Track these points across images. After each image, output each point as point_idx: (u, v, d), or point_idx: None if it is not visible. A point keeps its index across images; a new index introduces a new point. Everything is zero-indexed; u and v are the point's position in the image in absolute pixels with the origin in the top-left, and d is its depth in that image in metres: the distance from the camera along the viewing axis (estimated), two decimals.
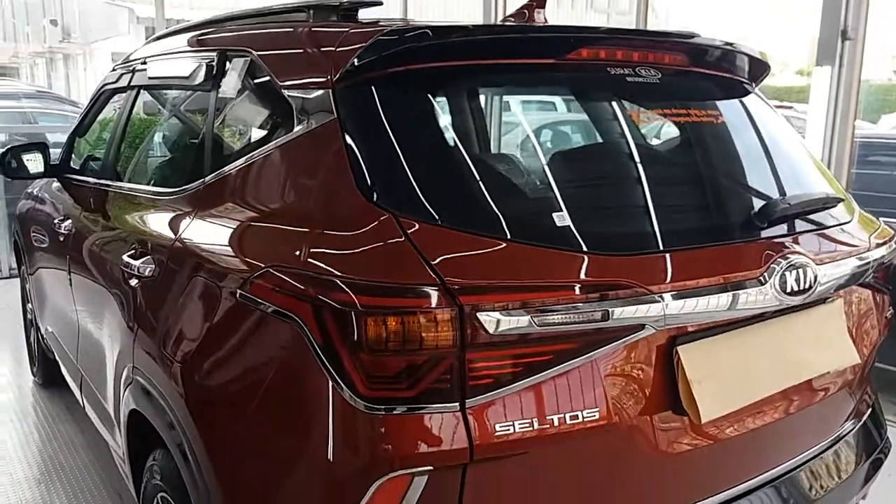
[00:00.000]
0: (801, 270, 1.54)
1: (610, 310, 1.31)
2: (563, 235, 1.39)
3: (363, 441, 1.26)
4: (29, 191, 4.26)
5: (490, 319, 1.24)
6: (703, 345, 1.47)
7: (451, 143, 1.45)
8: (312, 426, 1.32)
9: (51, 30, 24.59)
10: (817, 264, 1.58)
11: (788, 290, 1.52)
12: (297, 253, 1.41)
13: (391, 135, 1.40)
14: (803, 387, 1.68)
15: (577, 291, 1.32)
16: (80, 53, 25.07)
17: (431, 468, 1.25)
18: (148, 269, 1.94)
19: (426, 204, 1.34)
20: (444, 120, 1.41)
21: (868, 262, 1.77)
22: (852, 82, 4.19)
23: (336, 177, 1.41)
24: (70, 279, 2.96)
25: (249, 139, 1.80)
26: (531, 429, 1.28)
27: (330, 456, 1.28)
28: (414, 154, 1.39)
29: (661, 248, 1.46)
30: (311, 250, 1.41)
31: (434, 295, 1.24)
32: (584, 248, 1.37)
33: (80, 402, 3.07)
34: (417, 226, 1.31)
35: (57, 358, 3.59)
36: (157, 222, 2.07)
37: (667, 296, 1.38)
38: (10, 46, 26.24)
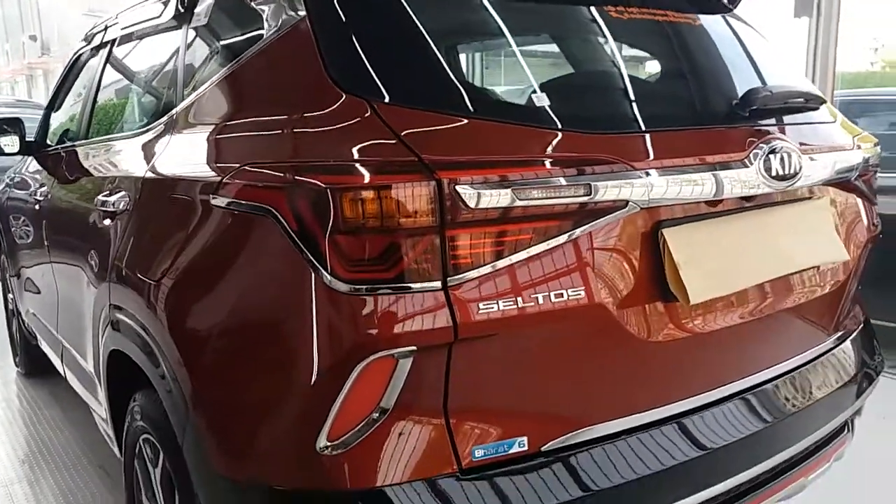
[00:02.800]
0: (785, 155, 1.51)
1: (592, 184, 1.27)
2: (541, 114, 1.36)
3: (345, 324, 1.21)
4: (4, 177, 4.20)
5: (470, 193, 1.19)
6: (688, 229, 1.43)
7: (421, 25, 1.40)
8: (294, 319, 1.27)
9: (30, 45, 24.43)
10: (801, 153, 1.56)
11: (774, 173, 1.49)
12: (270, 147, 1.37)
13: (361, 22, 1.36)
14: (792, 285, 1.65)
15: (559, 166, 1.28)
16: (60, 67, 24.86)
17: (415, 349, 1.21)
18: (122, 203, 1.89)
19: (400, 87, 1.31)
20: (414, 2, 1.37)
21: (851, 162, 1.75)
22: (830, 31, 4.21)
23: (307, 70, 1.37)
24: (46, 244, 2.91)
25: (222, 59, 1.76)
26: (516, 307, 1.24)
27: (314, 346, 1.23)
28: (383, 38, 1.35)
29: (644, 128, 1.43)
30: (284, 143, 1.37)
31: (410, 169, 1.19)
32: (564, 126, 1.33)
33: (62, 372, 3.01)
34: (392, 108, 1.28)
35: (39, 338, 3.52)
36: (130, 159, 2.02)
37: (651, 172, 1.34)
38: None
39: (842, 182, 1.77)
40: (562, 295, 1.28)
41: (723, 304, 1.52)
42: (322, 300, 1.22)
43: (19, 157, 3.91)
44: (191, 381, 1.49)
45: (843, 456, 1.97)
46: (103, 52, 2.77)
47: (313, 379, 1.23)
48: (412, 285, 1.20)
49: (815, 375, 1.77)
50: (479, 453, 1.30)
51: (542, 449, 1.34)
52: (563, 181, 1.26)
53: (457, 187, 1.19)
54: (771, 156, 1.49)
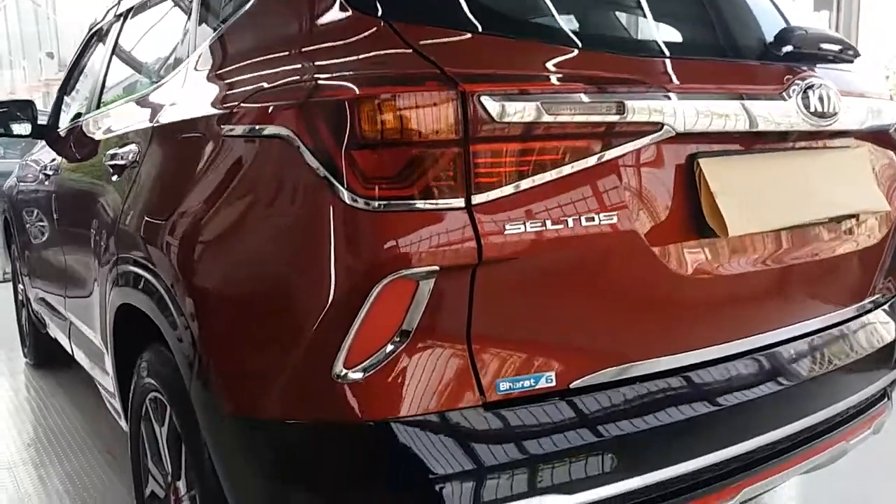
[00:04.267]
0: (823, 92, 1.44)
1: (625, 103, 1.20)
2: (571, 33, 1.29)
3: (363, 243, 1.14)
4: (13, 174, 4.19)
5: (494, 105, 1.13)
6: (725, 162, 1.36)
7: None
8: (310, 240, 1.20)
9: (47, 62, 24.70)
10: (839, 95, 1.49)
11: (812, 109, 1.42)
12: (282, 71, 1.31)
13: None
14: (831, 235, 1.58)
15: (589, 84, 1.21)
16: None
17: (437, 270, 1.14)
18: (131, 154, 1.84)
19: (418, 5, 1.26)
20: None
21: (889, 114, 1.68)
22: (850, 25, 4.19)
23: None
24: (56, 220, 2.87)
25: (231, 8, 1.71)
26: (544, 230, 1.17)
27: (331, 267, 1.16)
28: None
29: (679, 55, 1.36)
30: (297, 65, 1.31)
31: (432, 79, 1.13)
32: (595, 47, 1.27)
33: (70, 349, 2.95)
34: (411, 26, 1.22)
35: (47, 323, 3.48)
36: (140, 114, 1.97)
37: (686, 98, 1.27)
38: (6, 82, 26.33)
39: (880, 135, 1.70)
40: (592, 219, 1.20)
41: (760, 247, 1.44)
42: (339, 219, 1.15)
43: (21, 161, 3.92)
44: (201, 319, 1.42)
45: (882, 427, 1.87)
46: (115, 27, 2.75)
47: (330, 301, 1.16)
48: (434, 203, 1.13)
49: (853, 336, 1.69)
50: (503, 387, 1.22)
51: (571, 386, 1.26)
52: (593, 98, 1.19)
53: (481, 98, 1.13)
54: (809, 91, 1.42)
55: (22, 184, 3.81)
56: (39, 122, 3.33)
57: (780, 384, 1.49)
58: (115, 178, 1.95)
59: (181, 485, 1.69)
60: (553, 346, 1.25)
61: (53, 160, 3.03)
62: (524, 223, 1.16)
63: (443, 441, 1.18)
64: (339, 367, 1.17)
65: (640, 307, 1.31)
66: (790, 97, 1.41)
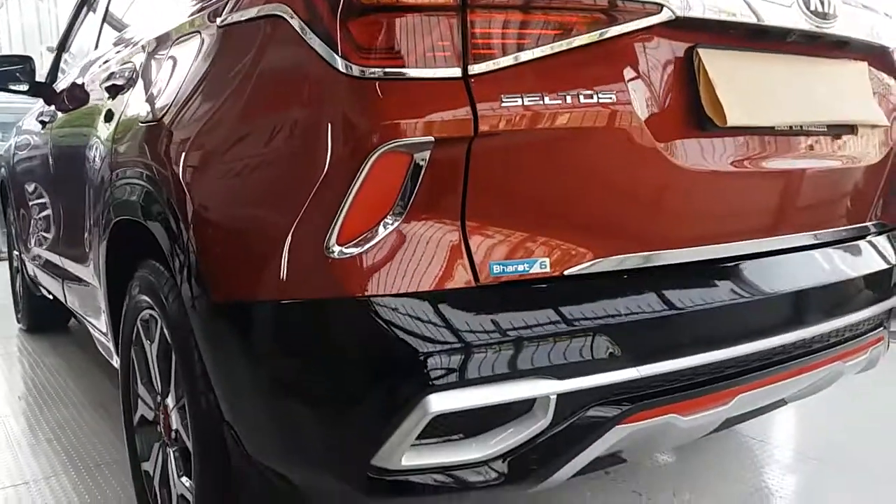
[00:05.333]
0: None
1: None
2: None
3: (356, 112, 1.13)
4: (15, 128, 4.17)
5: None
6: (725, 55, 1.35)
7: None
8: (304, 112, 1.20)
9: (48, 56, 24.69)
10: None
11: (812, 7, 1.41)
12: None
13: None
14: (830, 146, 1.57)
15: None
16: None
17: (432, 142, 1.12)
18: (127, 72, 1.83)
19: None
20: None
21: (890, 32, 1.68)
22: None
23: None
24: (51, 166, 2.86)
25: None
26: (541, 104, 1.15)
27: (326, 138, 1.15)
28: None
29: None
30: None
31: None
32: None
33: (63, 297, 2.94)
34: None
35: (41, 282, 3.46)
36: (135, 39, 1.96)
37: None
38: None
39: (879, 55, 1.69)
40: (591, 97, 1.19)
41: (759, 148, 1.43)
42: (334, 89, 1.14)
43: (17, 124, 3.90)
44: (196, 208, 1.42)
45: (877, 361, 1.86)
46: None
47: (323, 174, 1.15)
48: (429, 72, 1.12)
49: (850, 255, 1.67)
50: (496, 269, 1.20)
51: (565, 273, 1.25)
52: None
53: None
54: None
55: (18, 147, 3.80)
56: (38, 80, 3.31)
57: (775, 292, 1.48)
58: (110, 101, 1.94)
59: (170, 400, 1.68)
60: (549, 232, 1.24)
61: (50, 115, 3.01)
62: (521, 97, 1.15)
63: (434, 320, 1.16)
64: (332, 243, 1.15)
65: (635, 197, 1.30)
66: None
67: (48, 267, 3.11)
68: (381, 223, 1.15)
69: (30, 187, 3.41)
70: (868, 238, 1.75)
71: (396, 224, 1.16)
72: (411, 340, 1.14)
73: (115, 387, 2.00)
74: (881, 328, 1.80)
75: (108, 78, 1.98)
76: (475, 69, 1.13)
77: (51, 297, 3.41)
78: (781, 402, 1.73)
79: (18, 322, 4.31)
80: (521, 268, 1.22)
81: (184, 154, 1.47)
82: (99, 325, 2.37)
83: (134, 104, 1.78)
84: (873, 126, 1.63)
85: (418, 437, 1.18)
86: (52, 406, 2.97)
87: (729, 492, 2.15)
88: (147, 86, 1.74)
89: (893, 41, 1.73)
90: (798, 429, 2.73)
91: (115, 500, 2.14)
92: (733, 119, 1.31)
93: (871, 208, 1.75)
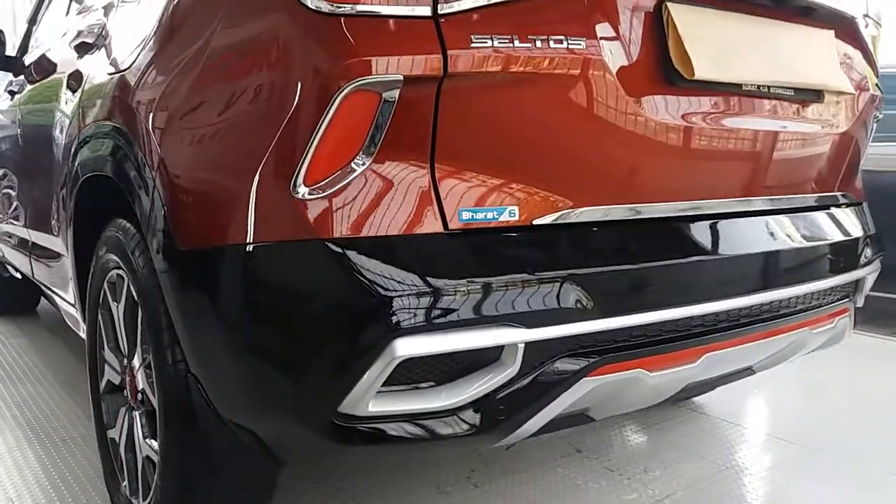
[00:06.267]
0: None
1: None
2: None
3: (323, 48, 1.12)
4: None
5: None
6: (693, 11, 1.35)
7: None
8: (272, 50, 1.19)
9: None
10: None
11: None
12: None
13: None
14: (798, 110, 1.58)
15: None
16: None
17: (401, 80, 1.12)
18: (95, 28, 1.81)
19: None
20: None
21: (856, 5, 1.71)
22: None
23: None
24: (20, 138, 2.82)
25: None
26: (511, 47, 1.15)
27: (292, 76, 1.14)
28: None
29: None
30: None
31: None
32: None
33: (30, 271, 2.89)
34: None
35: (9, 262, 3.40)
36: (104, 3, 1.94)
37: None
38: None
39: (846, 25, 1.72)
40: (561, 43, 1.19)
41: (726, 104, 1.44)
42: (301, 25, 1.13)
43: None
44: (161, 151, 1.40)
45: (844, 334, 1.89)
46: None
47: (291, 111, 1.13)
48: (399, 9, 1.11)
49: (816, 223, 1.69)
50: (465, 216, 1.20)
51: (534, 223, 1.25)
52: None
53: None
54: None
55: None
56: (7, 55, 3.26)
57: (741, 254, 1.49)
58: (79, 60, 1.91)
59: (136, 360, 1.65)
60: (519, 181, 1.24)
61: (19, 85, 2.97)
62: (491, 38, 1.14)
63: (402, 264, 1.15)
64: (299, 184, 1.14)
65: (604, 150, 1.30)
66: None
67: (16, 243, 3.06)
68: (349, 165, 1.15)
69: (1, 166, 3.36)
70: (833, 209, 1.77)
71: (364, 166, 1.15)
72: (378, 284, 1.13)
73: (83, 363, 1.97)
74: (846, 300, 1.82)
75: (77, 36, 1.96)
76: (445, 8, 1.13)
77: (19, 275, 3.35)
78: (749, 371, 1.74)
79: None
80: (490, 215, 1.22)
81: (152, 102, 1.45)
82: (67, 296, 2.33)
83: (103, 59, 1.76)
84: (839, 93, 1.65)
85: (386, 384, 1.17)
86: (18, 383, 2.91)
87: (699, 469, 2.17)
88: (115, 40, 1.72)
89: (859, 13, 1.75)
90: (770, 412, 2.75)
91: (82, 474, 2.10)
92: (700, 72, 1.32)
93: (837, 179, 1.77)
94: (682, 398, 2.65)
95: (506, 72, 1.17)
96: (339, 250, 1.13)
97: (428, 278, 1.15)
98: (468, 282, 1.17)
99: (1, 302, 4.04)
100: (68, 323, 2.48)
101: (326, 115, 1.12)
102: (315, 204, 1.14)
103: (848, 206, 1.84)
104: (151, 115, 1.46)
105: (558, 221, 1.26)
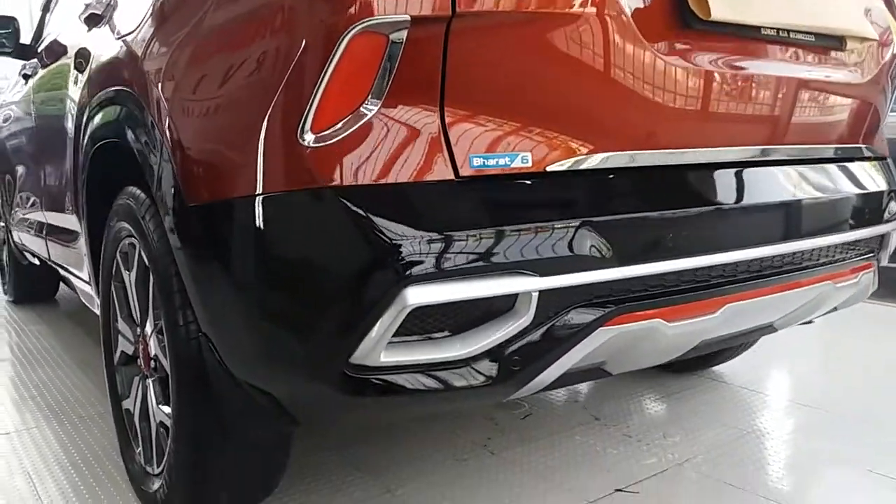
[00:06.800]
0: None
1: None
2: None
3: None
4: None
5: None
6: None
7: None
8: (275, 5, 1.17)
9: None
10: None
11: None
12: None
13: None
14: (820, 57, 1.54)
15: None
16: None
17: (408, 21, 1.09)
18: (105, 1, 1.80)
19: None
20: None
21: None
22: None
23: None
24: (33, 113, 2.83)
25: None
26: None
27: (298, 19, 1.12)
28: None
29: None
30: None
31: None
32: None
33: (46, 253, 2.90)
34: None
35: (26, 248, 3.42)
36: None
37: None
38: None
39: None
40: None
41: (745, 48, 1.40)
42: None
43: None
44: (171, 110, 1.39)
45: (867, 291, 1.84)
46: None
47: (297, 56, 1.11)
48: None
49: (839, 174, 1.65)
50: (476, 162, 1.17)
51: (548, 169, 1.22)
52: None
53: None
54: None
55: (4, 128, 3.75)
56: (22, 42, 3.27)
57: (762, 203, 1.46)
58: (87, 32, 1.91)
59: (148, 327, 1.65)
60: (531, 126, 1.21)
61: (33, 68, 2.98)
62: None
63: (413, 212, 1.14)
64: (306, 132, 1.12)
65: (620, 93, 1.26)
66: None
67: (32, 227, 3.08)
68: (357, 111, 1.12)
69: (13, 149, 3.37)
70: (857, 161, 1.73)
71: (373, 112, 1.13)
72: (389, 232, 1.11)
73: (100, 346, 1.98)
74: (871, 255, 1.78)
75: (86, 9, 1.95)
76: None
77: (37, 262, 3.37)
78: (771, 329, 1.71)
79: (5, 293, 4.27)
80: (502, 161, 1.19)
81: (161, 62, 1.44)
82: (82, 274, 2.34)
83: (112, 26, 1.75)
84: (862, 40, 1.61)
85: (398, 334, 1.15)
86: (38, 367, 2.93)
87: (720, 434, 2.13)
88: (123, 6, 1.71)
89: None
90: (791, 380, 2.71)
91: (99, 449, 2.11)
92: (717, 12, 1.28)
93: (860, 132, 1.73)
94: (704, 363, 2.62)
95: (516, 11, 1.14)
96: (349, 198, 1.11)
97: (439, 226, 1.13)
98: (480, 229, 1.15)
99: (21, 290, 4.07)
100: (84, 301, 2.48)
101: (333, 58, 1.09)
102: (323, 151, 1.12)
103: (872, 159, 1.79)
104: (161, 74, 1.44)
105: (572, 168, 1.23)
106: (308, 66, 1.11)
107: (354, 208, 1.11)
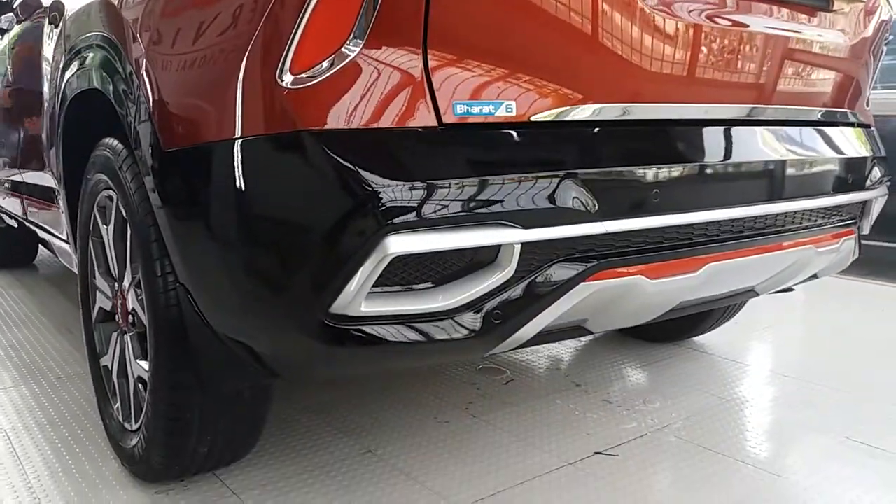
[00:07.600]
0: None
1: None
2: None
3: None
4: None
5: None
6: None
7: None
8: None
9: None
10: None
11: None
12: None
13: None
14: (806, 18, 1.53)
15: None
16: None
17: None
18: None
19: None
20: None
21: None
22: None
23: None
24: (8, 70, 2.77)
25: None
26: None
27: None
28: None
29: None
30: None
31: None
32: None
33: (24, 213, 2.85)
34: None
35: (4, 210, 3.36)
36: None
37: None
38: None
39: None
40: None
41: (730, 1, 1.39)
42: None
43: None
44: (148, 55, 1.36)
45: (849, 259, 1.85)
46: None
47: None
48: None
49: (823, 137, 1.64)
50: (460, 109, 1.15)
51: (532, 119, 1.20)
52: None
53: None
54: None
55: None
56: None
57: (744, 160, 1.45)
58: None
59: (126, 281, 1.62)
60: (516, 75, 1.19)
61: (9, 22, 2.92)
62: None
63: (395, 158, 1.12)
64: (285, 73, 1.10)
65: (606, 44, 1.25)
66: None
67: (9, 188, 3.03)
68: (337, 52, 1.10)
69: None
70: (841, 126, 1.72)
71: (355, 53, 1.10)
72: (370, 179, 1.09)
73: (78, 307, 1.95)
74: (852, 222, 1.78)
75: None
76: None
77: (15, 223, 3.32)
78: (752, 293, 1.71)
79: None
80: (486, 109, 1.17)
81: (140, 7, 1.41)
82: (60, 233, 2.30)
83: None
84: (849, 1, 1.60)
85: (379, 284, 1.14)
86: (15, 328, 2.89)
87: (699, 401, 2.15)
88: None
89: None
90: (772, 351, 2.73)
91: (77, 408, 2.09)
92: None
93: (844, 96, 1.72)
94: (685, 332, 2.62)
95: None
96: (328, 142, 1.09)
97: (421, 173, 1.11)
98: (462, 178, 1.13)
99: None
100: (62, 261, 2.45)
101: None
102: (303, 94, 1.10)
103: (856, 125, 1.79)
104: (139, 19, 1.41)
105: (557, 119, 1.22)
106: (288, 2, 1.09)
107: (334, 153, 1.09)
